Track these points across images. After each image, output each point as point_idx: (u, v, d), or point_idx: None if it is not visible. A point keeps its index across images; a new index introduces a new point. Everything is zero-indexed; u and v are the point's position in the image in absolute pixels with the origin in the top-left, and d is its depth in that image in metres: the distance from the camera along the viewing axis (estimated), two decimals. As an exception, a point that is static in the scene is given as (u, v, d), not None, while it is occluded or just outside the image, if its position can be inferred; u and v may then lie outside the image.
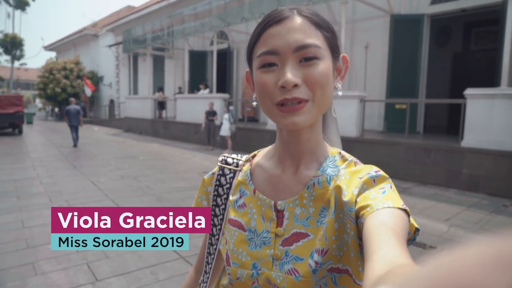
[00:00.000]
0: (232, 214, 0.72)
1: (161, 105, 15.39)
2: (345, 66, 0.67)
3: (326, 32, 0.62)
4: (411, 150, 6.78)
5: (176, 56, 16.79)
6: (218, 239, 0.74)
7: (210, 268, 0.76)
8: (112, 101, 22.93)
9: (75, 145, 11.34)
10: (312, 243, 0.62)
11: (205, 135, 10.94)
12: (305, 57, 0.59)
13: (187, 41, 13.67)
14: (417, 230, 0.55)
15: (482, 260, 0.14)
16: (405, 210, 0.53)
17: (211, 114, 10.60)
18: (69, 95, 23.71)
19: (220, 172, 0.76)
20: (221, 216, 0.74)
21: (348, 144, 6.94)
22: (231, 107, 10.28)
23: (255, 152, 0.78)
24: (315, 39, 0.60)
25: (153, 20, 14.69)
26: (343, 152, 0.69)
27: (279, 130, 0.68)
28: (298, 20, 0.60)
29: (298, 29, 0.59)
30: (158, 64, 18.07)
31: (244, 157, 0.77)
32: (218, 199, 0.75)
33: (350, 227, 0.56)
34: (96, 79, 24.20)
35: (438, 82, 10.05)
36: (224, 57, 13.82)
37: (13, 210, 4.72)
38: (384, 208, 0.52)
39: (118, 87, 22.07)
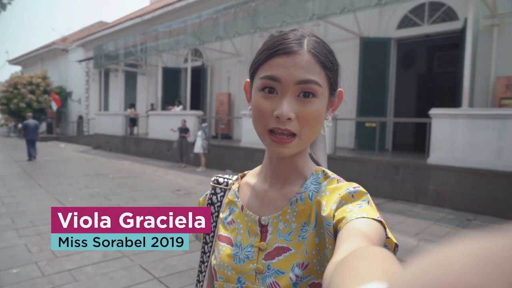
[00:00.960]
0: (221, 231, 0.74)
1: (133, 121, 15.11)
2: (339, 100, 0.71)
3: (329, 72, 0.65)
4: (381, 167, 6.99)
5: (149, 73, 16.66)
6: (210, 253, 0.77)
7: (204, 276, 0.78)
8: (80, 117, 22.26)
9: (29, 159, 11.54)
10: (293, 257, 0.63)
11: (177, 152, 10.81)
12: (304, 91, 0.62)
13: (160, 58, 13.62)
14: (396, 246, 0.57)
15: (475, 260, 0.14)
16: (380, 222, 0.54)
17: (183, 131, 10.51)
18: (34, 111, 22.82)
19: (212, 191, 0.79)
20: (212, 234, 0.77)
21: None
22: (204, 124, 10.25)
23: (245, 172, 0.81)
24: (317, 77, 0.63)
25: (126, 36, 14.58)
26: (327, 170, 0.72)
27: (268, 151, 0.71)
28: (305, 56, 0.62)
29: (303, 65, 0.62)
30: (130, 80, 17.82)
31: (235, 177, 0.80)
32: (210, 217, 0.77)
33: (329, 241, 0.59)
34: (64, 95, 23.46)
35: (405, 101, 10.52)
36: (198, 74, 13.85)
37: (-28, 232, 4.43)
38: (357, 218, 0.53)
39: (87, 103, 21.50)
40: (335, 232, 0.57)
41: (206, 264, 0.77)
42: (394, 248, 0.57)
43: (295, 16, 8.21)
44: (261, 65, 0.65)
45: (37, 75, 23.32)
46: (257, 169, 0.78)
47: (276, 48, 0.63)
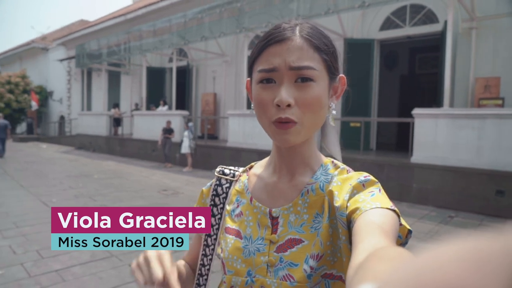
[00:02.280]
0: (229, 223, 0.73)
1: (117, 121, 14.90)
2: (341, 86, 0.69)
3: (325, 55, 0.63)
4: (366, 166, 7.13)
5: (133, 72, 16.45)
6: (214, 245, 0.74)
7: (208, 269, 0.75)
8: (62, 117, 21.79)
9: (1, 156, 12.23)
10: (306, 249, 0.62)
11: (161, 152, 10.74)
12: (300, 76, 0.61)
13: (145, 58, 13.49)
14: (409, 232, 0.57)
15: (469, 261, 0.15)
16: (394, 211, 0.54)
17: (168, 131, 10.45)
18: (13, 111, 22.20)
19: (217, 182, 0.78)
20: (216, 226, 0.74)
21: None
22: (190, 124, 10.22)
23: (252, 164, 0.80)
24: (311, 61, 0.62)
25: (109, 35, 14.37)
26: (336, 161, 0.72)
27: (274, 141, 0.71)
28: (298, 41, 0.62)
29: (296, 50, 0.61)
30: (114, 80, 17.56)
31: (241, 168, 0.79)
32: (214, 209, 0.76)
33: (342, 231, 0.58)
34: (44, 94, 22.91)
35: (388, 102, 10.74)
36: (183, 74, 13.78)
37: (-48, 235, 4.31)
38: (372, 208, 0.53)
39: (69, 102, 21.07)
40: (349, 222, 0.57)
41: (209, 257, 0.75)
42: (406, 235, 0.57)
43: (280, 16, 8.28)
44: (257, 58, 0.65)
45: (15, 74, 22.69)
46: (264, 160, 0.77)
47: (269, 38, 0.63)
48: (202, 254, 0.76)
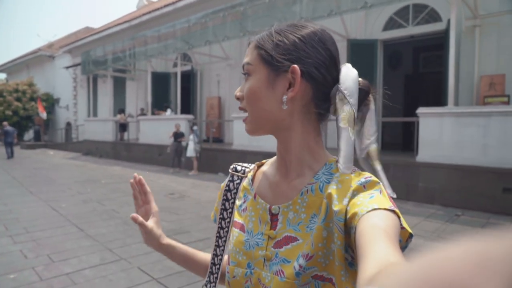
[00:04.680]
0: (236, 217, 0.77)
1: (123, 127, 15.04)
2: (295, 76, 0.65)
3: (260, 50, 0.68)
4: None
5: (138, 78, 16.61)
6: (226, 237, 0.79)
7: (220, 259, 0.80)
8: (69, 124, 22.02)
9: (9, 157, 14.71)
10: (299, 247, 0.64)
11: (171, 157, 10.80)
12: (246, 75, 0.70)
13: (149, 63, 13.61)
14: (410, 236, 0.56)
15: (470, 262, 0.15)
16: (393, 212, 0.54)
17: (178, 135, 10.52)
18: (21, 118, 22.49)
19: (230, 178, 0.82)
20: (228, 219, 0.79)
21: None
22: (195, 127, 10.29)
23: (263, 161, 0.83)
24: (249, 58, 0.69)
25: (114, 41, 14.53)
26: None
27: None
28: (251, 45, 0.71)
29: (246, 52, 0.71)
30: (119, 86, 17.74)
31: (252, 165, 0.82)
32: (226, 203, 0.80)
33: (338, 236, 0.58)
34: (51, 101, 23.20)
35: (392, 101, 10.69)
36: (188, 78, 13.88)
37: (-35, 240, 4.39)
38: (369, 211, 0.53)
39: (75, 109, 21.30)
40: (347, 228, 0.57)
41: (222, 248, 0.79)
42: (407, 239, 0.56)
43: (283, 19, 8.32)
44: None
45: (23, 82, 23.02)
46: (274, 158, 0.79)
47: None
48: (215, 245, 0.80)
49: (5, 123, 16.23)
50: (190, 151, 9.98)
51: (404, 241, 0.56)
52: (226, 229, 0.79)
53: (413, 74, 11.75)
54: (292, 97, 0.66)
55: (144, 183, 0.87)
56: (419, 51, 11.45)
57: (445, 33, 7.31)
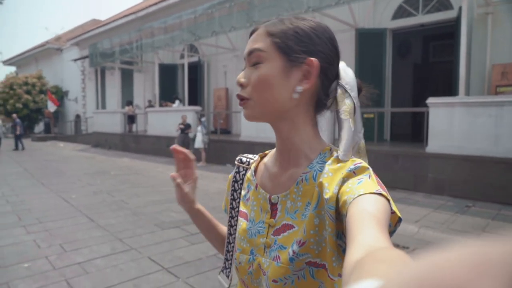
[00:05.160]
0: (241, 207, 0.81)
1: (131, 119, 15.13)
2: (313, 69, 0.67)
3: (276, 38, 0.67)
4: (380, 157, 7.08)
5: (146, 70, 16.63)
6: (236, 226, 0.83)
7: (232, 246, 0.83)
8: (78, 116, 22.23)
9: (16, 149, 15.34)
10: (295, 234, 0.67)
11: (178, 149, 10.83)
12: (253, 61, 0.69)
13: (156, 55, 13.61)
14: (399, 220, 0.57)
15: (469, 263, 0.15)
16: (382, 195, 0.55)
17: (185, 127, 10.55)
18: (31, 111, 22.76)
19: (237, 170, 0.85)
20: (237, 209, 0.83)
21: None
22: (203, 119, 10.31)
23: (266, 152, 0.84)
24: (260, 44, 0.68)
25: (121, 33, 14.54)
26: (334, 148, 0.72)
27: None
28: (259, 31, 0.70)
29: (254, 38, 0.70)
30: (127, 78, 17.79)
31: (256, 156, 0.85)
32: (235, 193, 0.84)
33: (329, 223, 0.61)
34: (60, 94, 23.40)
35: (401, 91, 10.60)
36: (195, 70, 13.86)
37: (-20, 231, 4.49)
38: (355, 197, 0.54)
39: (84, 101, 21.47)
40: (338, 215, 0.59)
41: (233, 236, 0.83)
42: (396, 223, 0.57)
43: (290, 9, 8.24)
44: None
45: (32, 75, 23.24)
46: (274, 149, 0.81)
47: (251, 31, 0.73)
48: (228, 233, 0.85)
49: (14, 115, 16.98)
50: (198, 143, 10.01)
51: (393, 226, 0.57)
52: (236, 218, 0.83)
53: (423, 63, 11.57)
54: (306, 89, 0.68)
55: (186, 151, 0.88)
56: (429, 40, 11.25)
57: (456, 21, 7.17)
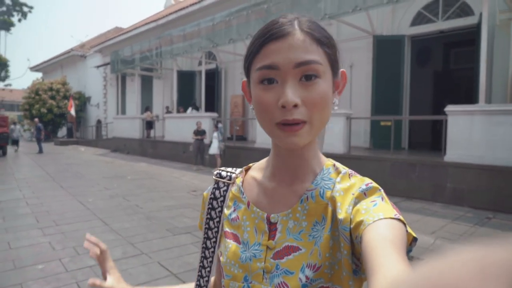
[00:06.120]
0: (227, 227, 0.71)
1: (149, 124, 15.41)
2: (343, 81, 0.66)
3: (327, 48, 0.60)
4: (397, 166, 6.94)
5: (165, 76, 16.94)
6: (214, 248, 0.74)
7: (208, 271, 0.74)
8: (99, 121, 22.79)
9: (39, 152, 16.06)
10: (303, 257, 0.61)
11: (193, 154, 10.96)
12: (305, 74, 0.58)
13: (175, 62, 13.85)
14: (414, 240, 0.56)
15: (472, 268, 0.15)
16: (399, 219, 0.52)
17: (200, 133, 10.66)
18: (55, 116, 23.49)
19: (215, 186, 0.75)
20: (215, 229, 0.73)
21: (336, 161, 7.07)
22: (220, 125, 10.37)
23: (250, 164, 0.78)
24: (316, 55, 0.58)
25: (142, 41, 14.88)
26: (337, 164, 0.68)
27: (275, 144, 0.67)
28: (299, 36, 0.58)
29: (299, 46, 0.58)
30: (146, 84, 18.17)
31: (238, 170, 0.76)
32: (212, 212, 0.74)
33: (344, 246, 0.57)
34: (83, 100, 24.09)
35: (420, 99, 10.38)
36: (212, 77, 14.01)
37: (-1, 232, 4.64)
38: (375, 221, 0.51)
39: (105, 107, 22.00)
40: (352, 237, 0.55)
41: (210, 259, 0.74)
42: (411, 243, 0.55)
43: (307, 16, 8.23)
44: (255, 56, 0.61)
45: (57, 81, 24.03)
46: (262, 162, 0.75)
47: (268, 34, 0.59)
48: (202, 257, 0.75)
49: (36, 120, 17.85)
50: (214, 149, 10.08)
51: (408, 245, 0.55)
52: (214, 239, 0.73)
53: (443, 70, 11.32)
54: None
55: (98, 241, 0.77)
56: (449, 46, 11.01)
57: (477, 27, 6.99)
